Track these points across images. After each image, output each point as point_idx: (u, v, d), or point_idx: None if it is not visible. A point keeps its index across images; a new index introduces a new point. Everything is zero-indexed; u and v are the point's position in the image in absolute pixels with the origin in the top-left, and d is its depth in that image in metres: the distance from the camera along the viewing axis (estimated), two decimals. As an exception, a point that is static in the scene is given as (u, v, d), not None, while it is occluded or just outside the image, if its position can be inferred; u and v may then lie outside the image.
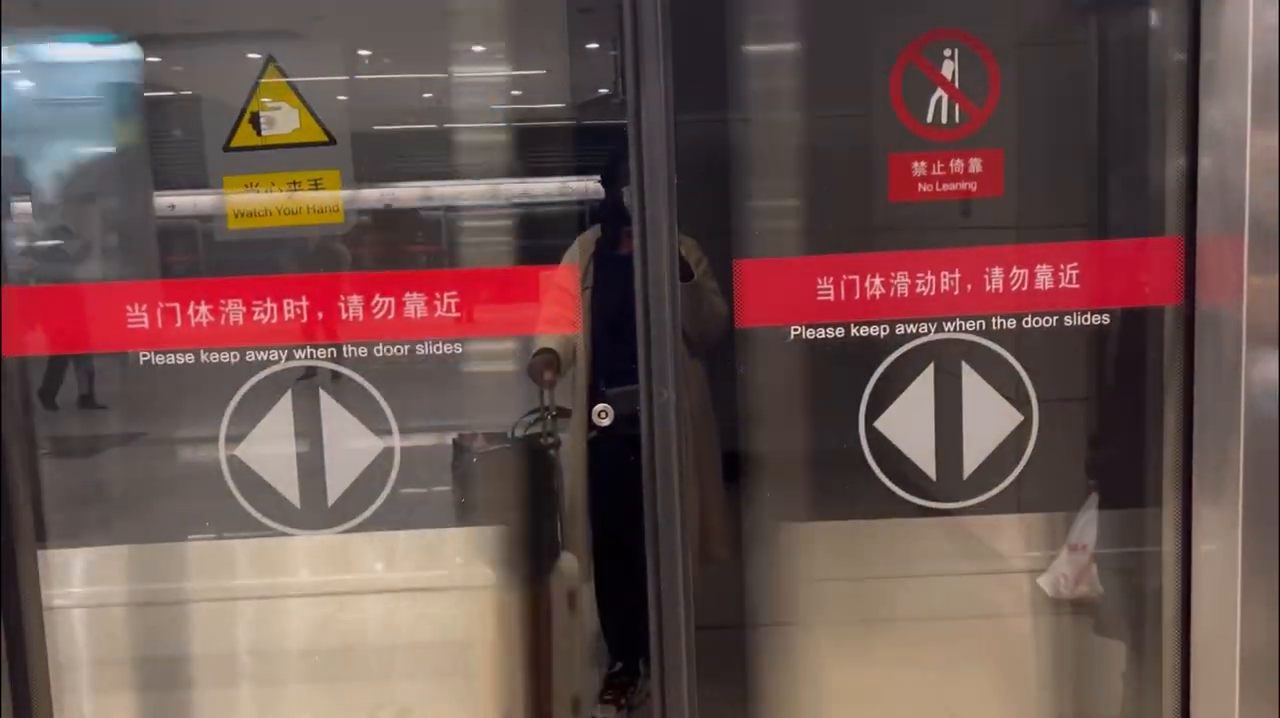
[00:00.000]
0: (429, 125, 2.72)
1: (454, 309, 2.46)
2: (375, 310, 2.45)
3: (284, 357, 2.47)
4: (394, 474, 2.54)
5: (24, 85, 2.53)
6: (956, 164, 2.41)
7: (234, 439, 2.52)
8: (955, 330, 2.45)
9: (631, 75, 2.29)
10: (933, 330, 2.45)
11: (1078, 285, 2.41)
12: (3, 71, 2.44)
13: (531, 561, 2.70)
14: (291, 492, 2.52)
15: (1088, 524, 2.63)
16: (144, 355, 2.47)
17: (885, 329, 2.46)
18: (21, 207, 2.55)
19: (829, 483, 2.61)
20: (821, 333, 2.44)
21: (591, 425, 2.57)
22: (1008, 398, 2.49)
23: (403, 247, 2.72)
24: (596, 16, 2.43)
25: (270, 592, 2.83)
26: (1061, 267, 2.41)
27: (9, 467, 2.45)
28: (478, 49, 2.66)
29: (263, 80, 2.43)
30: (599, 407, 2.55)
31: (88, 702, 2.69)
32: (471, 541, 2.80)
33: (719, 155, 2.43)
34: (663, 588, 2.42)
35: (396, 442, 2.53)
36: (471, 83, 2.67)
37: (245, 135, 2.44)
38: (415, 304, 2.45)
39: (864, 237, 2.52)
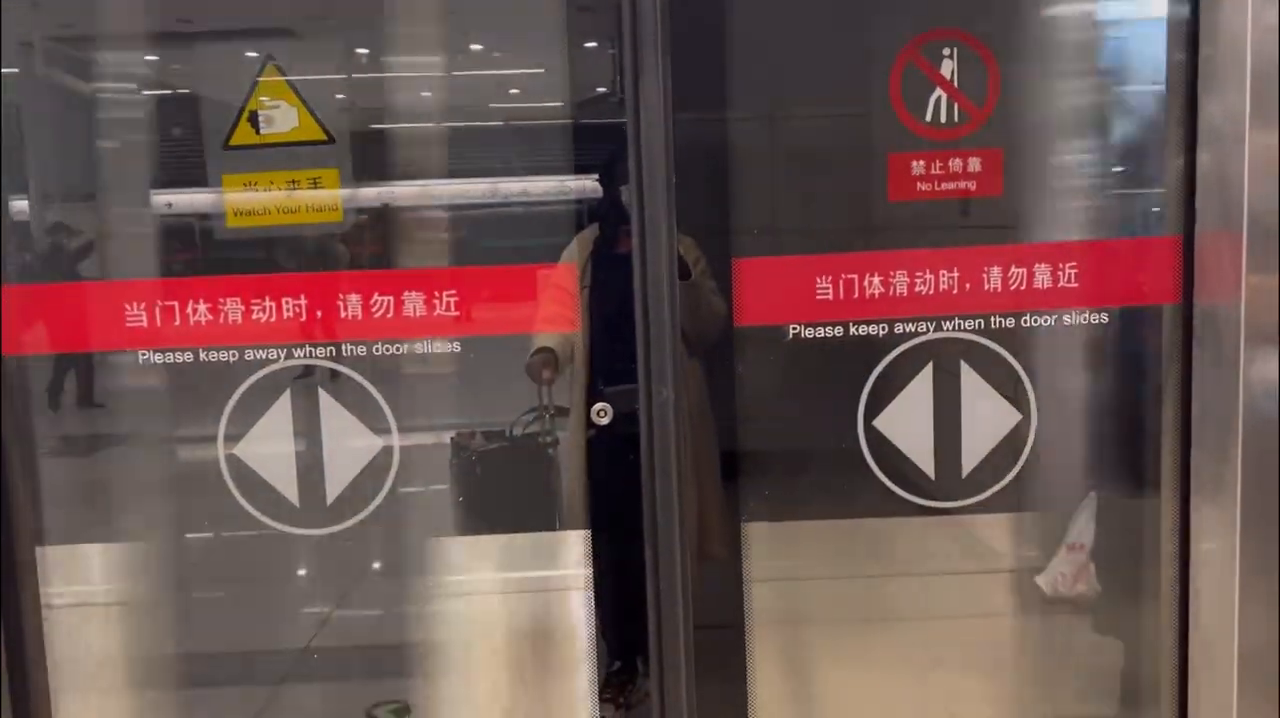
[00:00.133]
0: (427, 124, 2.72)
1: (453, 308, 2.46)
2: (374, 309, 2.45)
3: (283, 355, 2.47)
4: (393, 473, 2.54)
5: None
6: (955, 163, 2.41)
7: (232, 438, 2.52)
8: (954, 330, 2.45)
9: (630, 73, 2.30)
10: (931, 330, 2.45)
11: (1076, 285, 2.41)
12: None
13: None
14: (290, 490, 2.52)
15: (1086, 523, 2.63)
16: (142, 354, 2.47)
17: (884, 328, 2.46)
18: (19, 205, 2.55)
19: (828, 482, 2.61)
20: (820, 332, 2.44)
21: (590, 424, 2.57)
22: (1006, 397, 2.49)
23: (401, 245, 2.71)
24: (595, 15, 2.43)
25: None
26: (1060, 266, 2.41)
27: (9, 467, 2.46)
28: (476, 47, 2.66)
29: (261, 79, 2.43)
30: (598, 406, 2.55)
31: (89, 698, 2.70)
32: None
33: (718, 154, 2.43)
34: (661, 587, 2.42)
35: (395, 440, 2.53)
36: (470, 81, 2.67)
37: (244, 134, 2.44)
38: (414, 303, 2.45)
39: (863, 236, 2.52)
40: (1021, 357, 2.47)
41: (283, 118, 2.43)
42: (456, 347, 2.48)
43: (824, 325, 2.43)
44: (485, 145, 2.73)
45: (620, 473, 2.47)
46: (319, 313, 2.46)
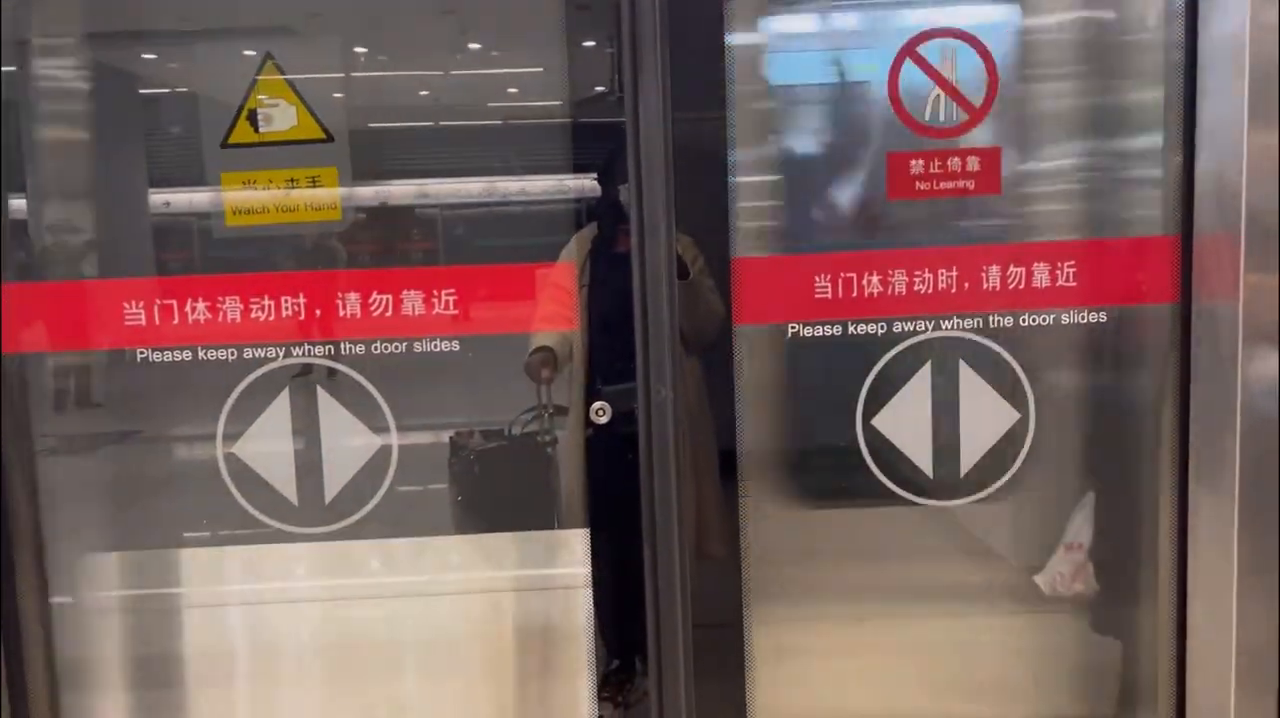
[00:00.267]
0: (425, 123, 2.72)
1: (451, 306, 2.46)
2: (373, 308, 2.45)
3: (281, 354, 2.47)
4: (391, 472, 2.54)
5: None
6: (954, 162, 2.41)
7: (231, 437, 2.52)
8: (952, 329, 2.45)
9: (629, 72, 2.30)
10: (930, 328, 2.46)
11: (1075, 284, 2.41)
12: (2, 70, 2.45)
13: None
14: (289, 489, 2.52)
15: (1084, 523, 2.63)
16: (141, 352, 2.47)
17: (883, 327, 2.46)
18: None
19: (826, 480, 2.61)
20: (819, 331, 2.44)
21: (589, 423, 2.57)
22: (1004, 396, 2.49)
23: (400, 244, 2.71)
24: (595, 14, 2.42)
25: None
26: (1059, 265, 2.41)
27: (8, 467, 2.45)
28: (474, 46, 2.66)
29: (260, 77, 2.43)
30: (596, 404, 2.55)
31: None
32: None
33: (716, 153, 2.43)
34: (660, 586, 2.42)
35: (394, 439, 2.53)
36: (468, 80, 2.67)
37: (243, 132, 2.43)
38: (413, 301, 2.45)
39: (861, 235, 2.53)
40: (1020, 356, 2.47)
41: (282, 116, 2.43)
42: (455, 345, 2.48)
43: (823, 324, 2.43)
44: (484, 144, 2.73)
45: (619, 472, 2.47)
46: (318, 311, 2.46)
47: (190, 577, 2.76)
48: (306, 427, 2.51)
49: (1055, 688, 2.70)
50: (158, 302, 2.45)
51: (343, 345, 2.48)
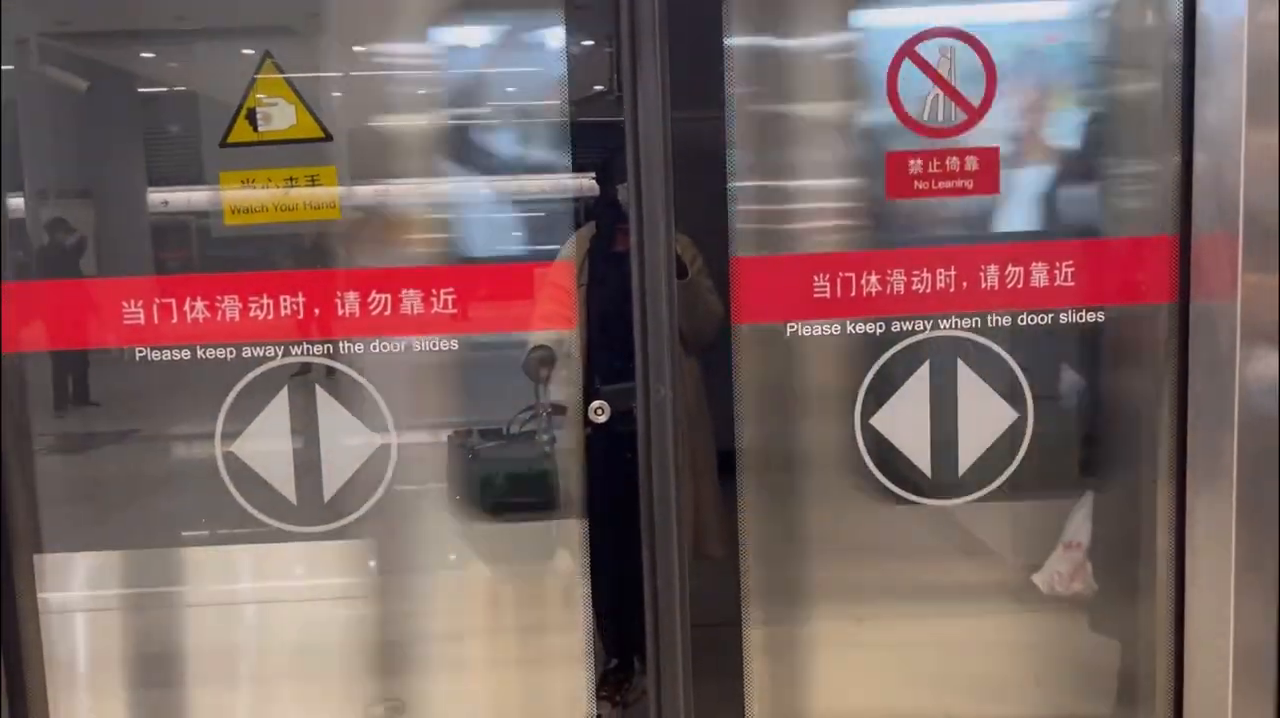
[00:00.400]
0: (423, 122, 2.72)
1: (450, 305, 2.46)
2: (371, 306, 2.45)
3: (280, 353, 2.47)
4: (390, 471, 2.54)
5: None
6: (953, 162, 2.41)
7: (230, 436, 2.51)
8: (951, 328, 2.45)
9: (628, 71, 2.30)
10: (928, 328, 2.46)
11: (1073, 283, 2.42)
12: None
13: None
14: (287, 488, 2.52)
15: (1082, 521, 2.63)
16: (139, 351, 2.47)
17: (881, 326, 2.46)
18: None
19: (824, 479, 2.62)
20: (818, 330, 2.44)
21: (587, 422, 2.57)
22: (1003, 395, 2.50)
23: (398, 243, 2.71)
24: (594, 12, 2.43)
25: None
26: (1057, 264, 2.41)
27: (6, 466, 2.45)
28: (473, 45, 2.66)
29: (259, 76, 2.42)
30: (595, 403, 2.55)
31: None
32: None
33: (716, 152, 2.43)
34: (658, 585, 2.42)
35: (393, 438, 2.53)
36: (467, 78, 2.67)
37: (242, 131, 2.43)
38: (411, 300, 2.45)
39: (860, 234, 2.53)
40: (1018, 355, 2.47)
41: (281, 115, 2.42)
42: (454, 344, 2.48)
43: (822, 324, 2.43)
44: (483, 143, 2.73)
45: (617, 471, 2.47)
46: (316, 310, 2.46)
47: (189, 576, 2.76)
48: (305, 426, 2.51)
49: (1053, 687, 2.70)
50: (156, 300, 2.44)
51: (341, 344, 2.47)
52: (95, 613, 2.71)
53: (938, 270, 2.41)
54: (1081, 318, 2.43)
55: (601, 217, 2.66)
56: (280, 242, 2.53)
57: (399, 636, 2.77)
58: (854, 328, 2.46)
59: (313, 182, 2.45)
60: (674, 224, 2.35)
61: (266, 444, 2.51)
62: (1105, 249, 2.46)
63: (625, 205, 2.39)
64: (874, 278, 2.42)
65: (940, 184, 2.42)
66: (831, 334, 2.45)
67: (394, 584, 2.79)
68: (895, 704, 2.69)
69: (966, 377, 2.48)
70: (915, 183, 2.42)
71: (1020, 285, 2.42)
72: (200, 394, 2.51)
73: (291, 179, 2.45)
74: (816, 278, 2.43)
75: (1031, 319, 2.43)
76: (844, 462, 2.52)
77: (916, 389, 2.49)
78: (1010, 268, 2.42)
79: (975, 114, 2.41)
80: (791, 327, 2.45)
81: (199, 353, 2.46)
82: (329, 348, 2.48)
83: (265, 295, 2.44)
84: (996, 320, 2.44)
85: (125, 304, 2.44)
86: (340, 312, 2.46)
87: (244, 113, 2.42)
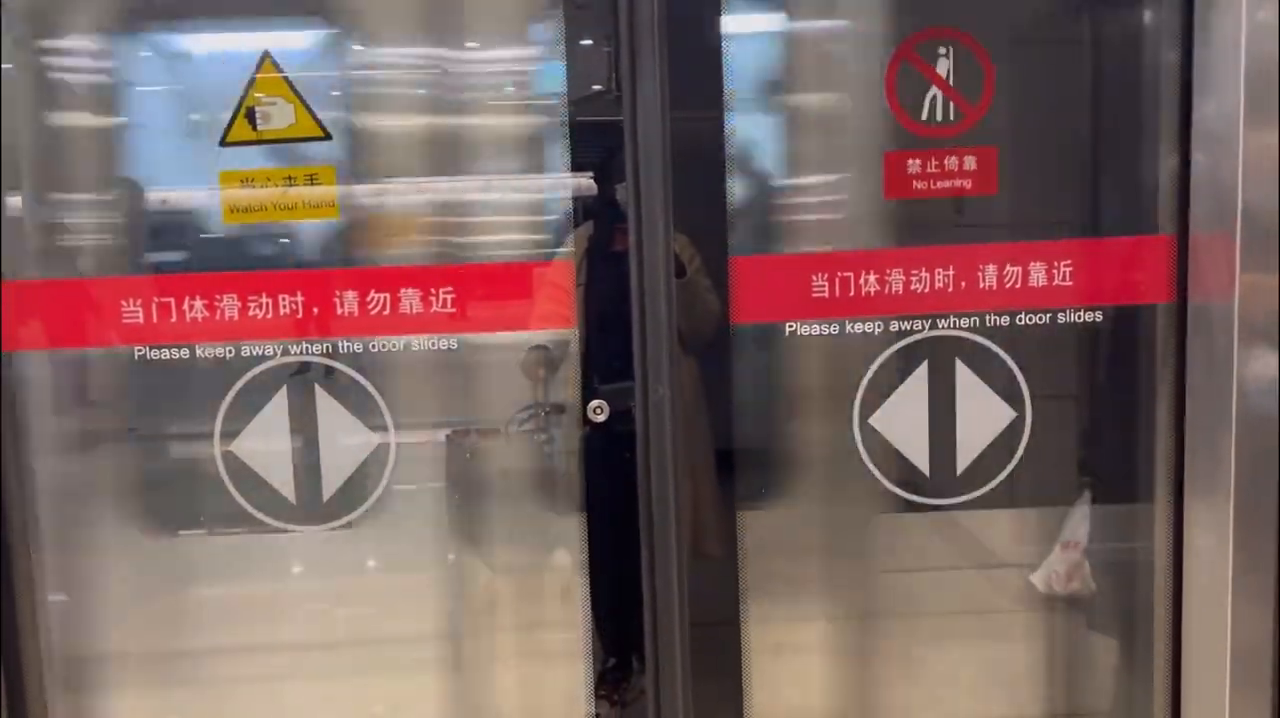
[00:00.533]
0: (423, 121, 2.72)
1: (449, 304, 2.46)
2: (370, 306, 2.45)
3: (279, 352, 2.47)
4: (389, 470, 2.54)
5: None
6: (951, 162, 2.42)
7: (229, 435, 2.51)
8: (949, 328, 2.45)
9: (627, 71, 2.30)
10: (927, 328, 2.46)
11: (1071, 283, 2.42)
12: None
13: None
14: (287, 487, 2.52)
15: (1080, 521, 2.63)
16: (138, 350, 2.47)
17: (880, 326, 2.46)
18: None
19: (824, 479, 2.62)
20: (817, 329, 2.44)
21: (586, 421, 2.57)
22: (1001, 395, 2.50)
23: (397, 242, 2.71)
24: (593, 12, 2.43)
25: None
26: (1055, 264, 2.41)
27: (6, 466, 2.45)
28: (473, 44, 2.66)
29: (258, 75, 2.43)
30: (594, 403, 2.55)
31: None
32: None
33: (715, 151, 2.44)
34: (657, 585, 2.42)
35: (392, 437, 2.53)
36: (466, 78, 2.67)
37: (241, 130, 2.43)
38: (410, 299, 2.45)
39: (859, 234, 2.53)
40: (1016, 355, 2.48)
41: (280, 114, 2.43)
42: (453, 343, 2.48)
43: (821, 323, 2.44)
44: (482, 142, 2.73)
45: (616, 470, 2.47)
46: (315, 309, 2.46)
47: (187, 575, 2.76)
48: (304, 425, 2.51)
49: (1051, 686, 2.70)
50: (155, 299, 2.44)
51: (340, 344, 2.47)
52: (95, 613, 2.71)
53: (936, 270, 2.42)
54: (1079, 317, 2.43)
55: (600, 216, 2.66)
56: (279, 241, 2.53)
57: (397, 634, 2.77)
58: (853, 327, 2.46)
59: (312, 180, 2.46)
60: (672, 223, 2.35)
61: (265, 443, 2.51)
62: (1103, 249, 2.46)
63: (624, 205, 2.39)
64: (872, 277, 2.42)
65: (938, 184, 2.42)
66: (831, 334, 2.46)
67: (392, 583, 2.79)
68: (893, 703, 2.69)
69: (965, 376, 2.49)
70: (914, 183, 2.42)
71: (1018, 285, 2.42)
72: (199, 393, 2.51)
73: (290, 178, 2.45)
74: (815, 277, 2.43)
75: (1030, 319, 2.43)
76: (842, 461, 2.52)
77: (915, 389, 2.50)
78: (1009, 267, 2.42)
79: (973, 114, 2.42)
80: (790, 326, 2.45)
81: (198, 352, 2.46)
82: (328, 347, 2.48)
83: (264, 294, 2.44)
84: (995, 320, 2.44)
85: (124, 303, 2.44)
86: (339, 311, 2.46)
87: (243, 111, 2.43)
